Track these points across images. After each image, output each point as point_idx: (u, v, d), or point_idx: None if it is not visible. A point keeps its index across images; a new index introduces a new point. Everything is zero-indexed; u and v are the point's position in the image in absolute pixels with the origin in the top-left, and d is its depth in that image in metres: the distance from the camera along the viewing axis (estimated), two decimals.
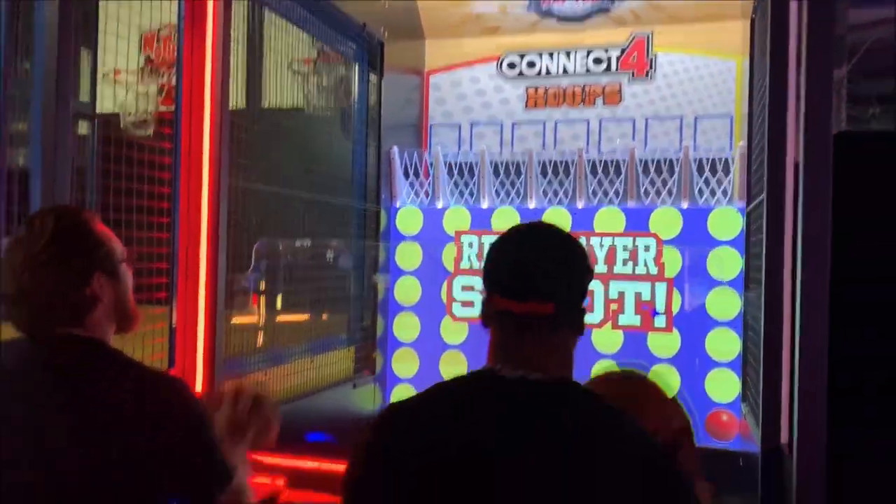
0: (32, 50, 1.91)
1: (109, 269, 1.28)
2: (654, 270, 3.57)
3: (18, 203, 1.84)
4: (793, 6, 2.06)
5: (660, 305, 3.54)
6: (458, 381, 1.13)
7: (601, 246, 3.63)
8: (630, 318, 3.60)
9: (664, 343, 3.51)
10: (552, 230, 1.17)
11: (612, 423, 1.07)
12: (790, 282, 2.05)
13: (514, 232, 1.17)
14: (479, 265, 3.79)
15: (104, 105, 5.01)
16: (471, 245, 3.86)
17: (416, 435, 1.08)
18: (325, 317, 3.55)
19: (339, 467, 2.47)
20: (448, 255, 3.87)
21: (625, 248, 3.60)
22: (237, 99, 3.38)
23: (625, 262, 3.61)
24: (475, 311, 4.00)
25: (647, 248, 3.57)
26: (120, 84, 4.68)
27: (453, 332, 3.85)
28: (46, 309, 1.22)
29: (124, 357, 1.27)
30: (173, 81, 5.30)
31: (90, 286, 1.24)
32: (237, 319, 2.75)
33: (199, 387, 2.34)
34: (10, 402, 1.19)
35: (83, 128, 5.29)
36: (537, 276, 1.10)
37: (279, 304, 3.15)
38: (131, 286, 1.35)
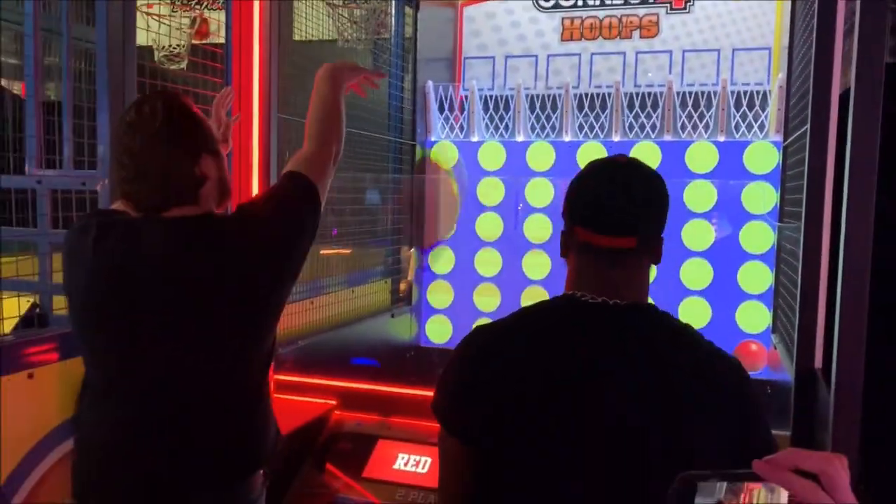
0: None
1: (213, 148, 1.42)
2: None
3: (87, 137, 1.91)
4: None
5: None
6: (541, 306, 1.20)
7: None
8: None
9: (697, 275, 3.57)
10: (634, 164, 1.20)
11: (689, 341, 1.14)
12: (830, 212, 2.09)
13: (597, 166, 1.21)
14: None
15: (138, 38, 5.01)
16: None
17: (501, 357, 1.14)
18: (363, 249, 3.64)
19: (385, 388, 2.60)
20: (482, 190, 3.92)
21: None
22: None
23: None
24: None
25: None
26: (149, 16, 4.69)
27: (487, 265, 3.94)
28: (165, 187, 1.35)
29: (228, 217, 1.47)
30: (205, 13, 5.29)
31: (199, 164, 1.37)
32: None
33: None
34: (158, 267, 1.34)
35: None
36: (621, 212, 1.14)
37: (322, 237, 3.23)
38: (226, 163, 1.50)
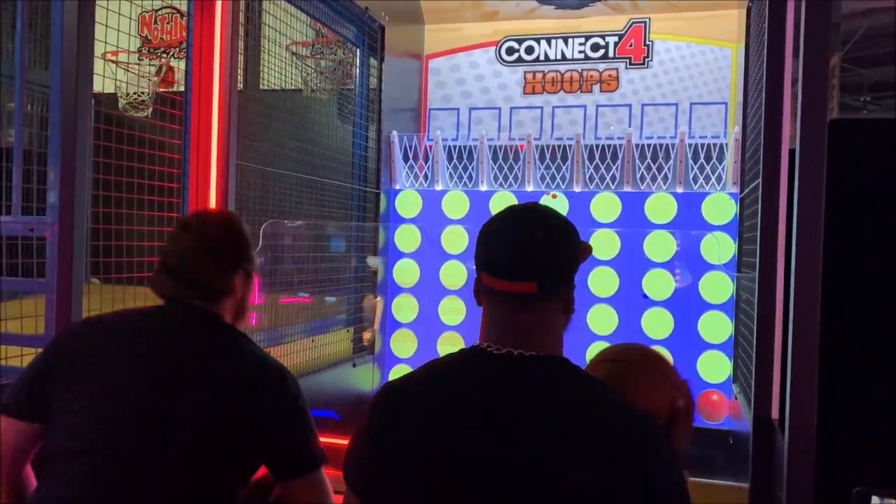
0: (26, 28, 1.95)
1: (248, 271, 1.53)
2: None
3: (37, 182, 1.88)
4: None
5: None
6: (448, 358, 1.21)
7: None
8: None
9: (658, 324, 3.59)
10: (539, 211, 1.22)
11: (590, 395, 1.13)
12: (783, 264, 2.13)
13: (502, 214, 1.22)
14: None
15: (100, 85, 5.01)
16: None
17: (407, 408, 1.15)
18: (325, 298, 3.60)
19: (342, 442, 2.54)
20: (447, 238, 3.93)
21: None
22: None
23: None
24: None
25: None
26: (116, 64, 4.70)
27: (451, 313, 3.92)
28: (195, 286, 1.45)
29: (243, 335, 1.50)
30: (171, 62, 5.32)
31: (233, 279, 1.48)
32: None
33: None
34: (148, 354, 1.38)
35: None
36: (520, 257, 1.15)
37: (283, 285, 3.20)
38: (254, 291, 1.60)
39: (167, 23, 5.32)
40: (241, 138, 2.65)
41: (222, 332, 1.45)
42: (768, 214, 2.17)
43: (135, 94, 4.72)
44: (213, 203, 2.39)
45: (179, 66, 5.22)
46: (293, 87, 3.82)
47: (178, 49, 5.34)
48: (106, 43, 3.43)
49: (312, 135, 3.62)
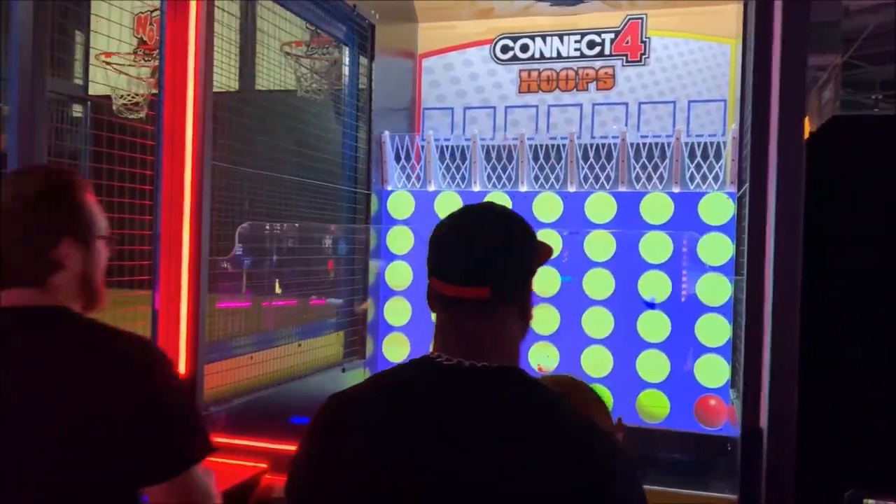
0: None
1: (83, 238, 1.25)
2: None
3: None
4: None
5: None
6: (397, 369, 1.14)
7: None
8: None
9: (654, 328, 3.50)
10: (493, 211, 1.15)
11: (547, 406, 1.06)
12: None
13: (454, 214, 1.16)
14: None
15: (97, 88, 4.99)
16: None
17: (351, 420, 1.08)
18: (313, 301, 3.55)
19: None
20: None
21: None
22: (230, 81, 3.37)
23: None
24: None
25: None
26: (112, 67, 4.67)
27: None
28: (8, 261, 1.20)
29: (93, 322, 1.24)
30: None
31: (56, 249, 1.21)
32: (222, 303, 2.75)
33: (182, 370, 2.34)
34: None
35: (76, 110, 5.27)
36: (470, 260, 1.08)
37: (266, 288, 3.15)
38: (103, 265, 1.32)
39: None
40: (226, 139, 2.61)
41: (61, 330, 1.21)
42: (756, 215, 2.08)
43: (129, 96, 4.69)
44: (187, 205, 2.34)
45: None
46: (283, 88, 3.78)
47: None
48: (108, 43, 3.40)
49: (302, 136, 3.58)
